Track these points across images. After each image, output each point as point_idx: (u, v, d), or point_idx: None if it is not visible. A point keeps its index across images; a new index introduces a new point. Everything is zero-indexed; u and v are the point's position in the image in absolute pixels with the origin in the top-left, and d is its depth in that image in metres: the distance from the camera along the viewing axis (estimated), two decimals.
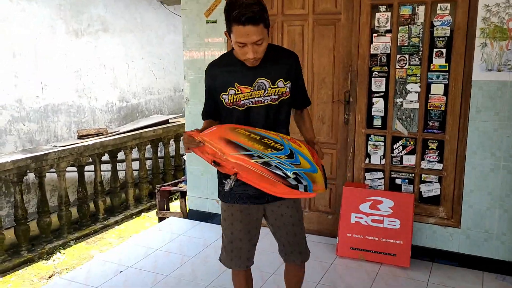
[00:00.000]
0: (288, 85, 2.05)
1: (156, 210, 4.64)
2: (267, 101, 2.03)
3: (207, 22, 3.83)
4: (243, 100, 2.01)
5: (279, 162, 1.83)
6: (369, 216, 3.34)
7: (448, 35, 3.05)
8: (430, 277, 3.11)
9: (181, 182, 4.79)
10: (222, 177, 2.17)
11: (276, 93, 2.03)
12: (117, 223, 5.13)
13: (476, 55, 2.95)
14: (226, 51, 3.76)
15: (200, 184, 4.12)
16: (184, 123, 6.14)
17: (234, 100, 2.01)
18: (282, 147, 1.87)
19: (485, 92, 2.97)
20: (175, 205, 5.19)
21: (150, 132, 5.65)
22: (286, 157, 1.85)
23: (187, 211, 4.35)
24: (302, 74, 2.17)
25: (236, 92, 2.01)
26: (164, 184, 4.71)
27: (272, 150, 1.85)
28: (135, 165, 5.71)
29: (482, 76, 2.96)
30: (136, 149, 5.60)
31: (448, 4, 3.02)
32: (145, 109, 6.72)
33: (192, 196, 4.19)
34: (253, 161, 1.84)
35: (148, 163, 5.99)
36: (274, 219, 2.17)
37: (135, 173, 5.70)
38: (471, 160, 3.09)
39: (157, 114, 6.88)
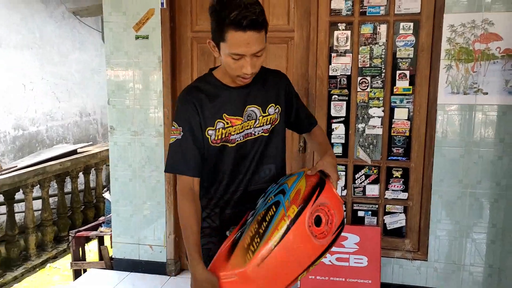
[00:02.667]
0: (277, 111, 1.65)
1: (71, 261, 3.84)
2: (258, 133, 1.61)
3: (137, 38, 3.27)
4: (233, 134, 1.55)
5: None
6: (333, 254, 3.00)
7: (411, 56, 2.88)
8: None
9: (100, 224, 4.05)
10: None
11: (268, 122, 1.62)
12: (16, 279, 4.20)
13: (441, 77, 2.80)
14: (160, 71, 3.27)
15: (129, 227, 3.47)
16: (97, 153, 5.42)
17: (223, 136, 1.54)
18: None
19: (451, 117, 2.83)
20: (91, 251, 4.41)
21: (56, 165, 4.81)
22: None
23: (110, 260, 3.65)
24: (296, 93, 1.78)
25: (225, 125, 1.54)
26: (80, 229, 3.95)
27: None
28: (37, 204, 4.80)
29: (448, 100, 2.82)
30: (39, 186, 4.72)
31: (411, 24, 2.86)
32: (46, 137, 5.78)
33: (119, 242, 3.51)
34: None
35: (52, 200, 5.09)
36: None
37: (37, 214, 4.79)
38: (438, 188, 2.91)
39: (61, 143, 5.97)
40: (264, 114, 1.61)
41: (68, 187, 5.35)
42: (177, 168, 1.53)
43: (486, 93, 2.75)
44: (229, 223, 1.59)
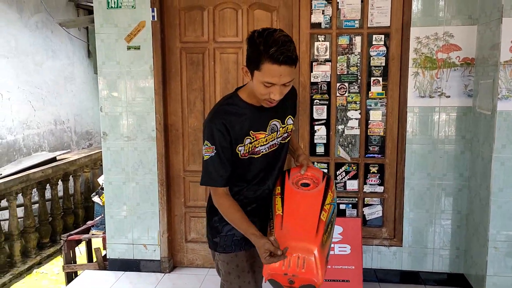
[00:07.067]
0: (293, 121, 1.94)
1: (63, 264, 3.96)
2: (279, 142, 1.88)
3: (129, 48, 3.45)
4: (258, 146, 1.80)
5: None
6: None
7: (384, 64, 3.23)
8: None
9: (90, 228, 4.18)
10: (218, 223, 1.90)
11: (286, 131, 1.90)
12: (4, 285, 4.25)
13: (410, 83, 3.17)
14: (152, 80, 3.45)
15: (123, 228, 3.64)
16: (76, 160, 5.50)
17: (250, 149, 1.78)
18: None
19: (419, 117, 3.20)
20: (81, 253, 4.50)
21: (39, 172, 4.88)
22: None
23: (103, 261, 3.80)
24: None
25: (252, 141, 1.78)
26: (72, 232, 4.06)
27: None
28: (19, 212, 4.84)
29: (416, 102, 3.19)
30: (21, 194, 4.77)
31: (383, 36, 3.21)
32: (23, 146, 5.79)
33: (114, 243, 3.67)
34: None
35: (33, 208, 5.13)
36: None
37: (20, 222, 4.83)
38: (410, 181, 3.27)
39: (37, 151, 5.99)
40: (283, 126, 1.87)
41: (48, 194, 5.39)
42: (210, 183, 1.77)
43: (449, 96, 3.14)
44: (250, 215, 1.81)
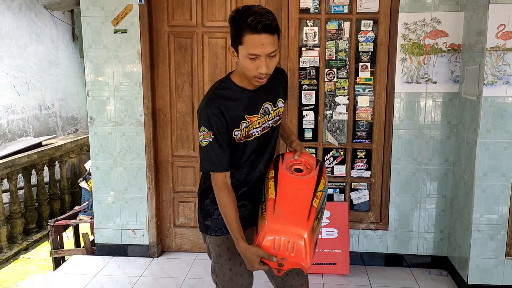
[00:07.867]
0: (283, 104, 1.94)
1: (50, 249, 3.94)
2: (271, 125, 1.89)
3: (116, 32, 3.41)
4: (251, 129, 1.80)
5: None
6: None
7: (372, 50, 3.25)
8: (370, 280, 3.25)
9: (77, 213, 4.15)
10: (209, 206, 1.91)
11: (277, 115, 1.90)
12: None
13: (398, 68, 3.19)
14: (140, 64, 3.43)
15: (111, 214, 3.63)
16: (62, 145, 5.44)
17: (246, 133, 1.79)
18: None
19: (406, 103, 3.24)
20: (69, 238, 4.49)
21: (24, 158, 4.81)
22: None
23: (91, 246, 3.80)
24: None
25: (247, 125, 1.78)
26: (59, 217, 4.04)
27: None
28: (4, 198, 4.79)
29: (403, 88, 3.22)
30: (6, 179, 4.71)
31: (371, 21, 3.22)
32: (8, 131, 5.70)
33: (102, 228, 3.66)
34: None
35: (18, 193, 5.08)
36: None
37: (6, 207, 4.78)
38: (396, 166, 3.32)
39: (22, 136, 5.91)
40: (274, 108, 1.87)
41: (33, 180, 5.34)
42: (211, 168, 1.75)
43: (435, 82, 3.18)
44: (242, 198, 1.85)
